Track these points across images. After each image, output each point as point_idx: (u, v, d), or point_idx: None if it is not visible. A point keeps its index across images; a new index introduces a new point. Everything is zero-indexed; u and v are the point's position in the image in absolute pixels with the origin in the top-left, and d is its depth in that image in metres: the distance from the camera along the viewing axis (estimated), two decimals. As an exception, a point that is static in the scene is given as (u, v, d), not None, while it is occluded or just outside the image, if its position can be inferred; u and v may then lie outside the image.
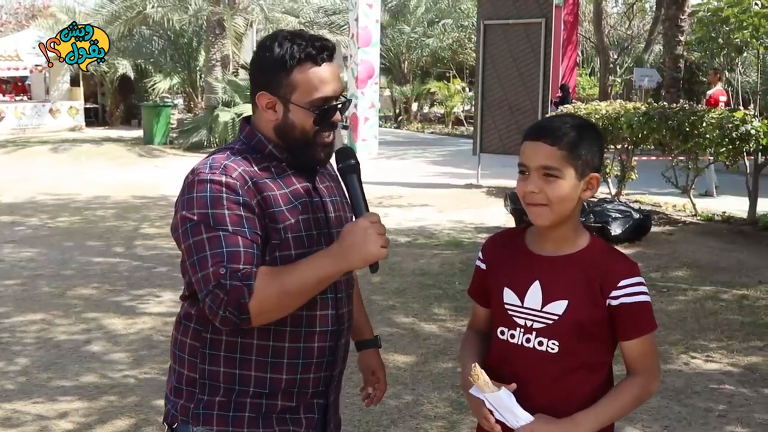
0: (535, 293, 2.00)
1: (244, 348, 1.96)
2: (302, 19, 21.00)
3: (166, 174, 15.03)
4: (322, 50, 1.97)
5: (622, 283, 1.96)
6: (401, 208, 11.24)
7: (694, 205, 10.42)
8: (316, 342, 2.02)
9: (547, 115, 1.86)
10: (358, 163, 2.01)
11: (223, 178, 1.88)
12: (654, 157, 12.56)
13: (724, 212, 10.33)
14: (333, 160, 2.04)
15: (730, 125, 8.91)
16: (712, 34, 12.42)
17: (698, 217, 10.22)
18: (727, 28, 11.94)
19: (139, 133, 21.65)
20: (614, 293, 1.96)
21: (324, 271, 1.88)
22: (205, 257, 1.83)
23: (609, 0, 30.04)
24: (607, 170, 11.30)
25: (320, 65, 1.97)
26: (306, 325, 1.99)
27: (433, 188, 13.16)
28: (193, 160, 16.33)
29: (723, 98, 13.56)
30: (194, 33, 23.91)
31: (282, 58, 1.95)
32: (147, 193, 12.60)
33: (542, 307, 1.99)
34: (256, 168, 1.96)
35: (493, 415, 1.97)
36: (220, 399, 1.98)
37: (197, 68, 24.36)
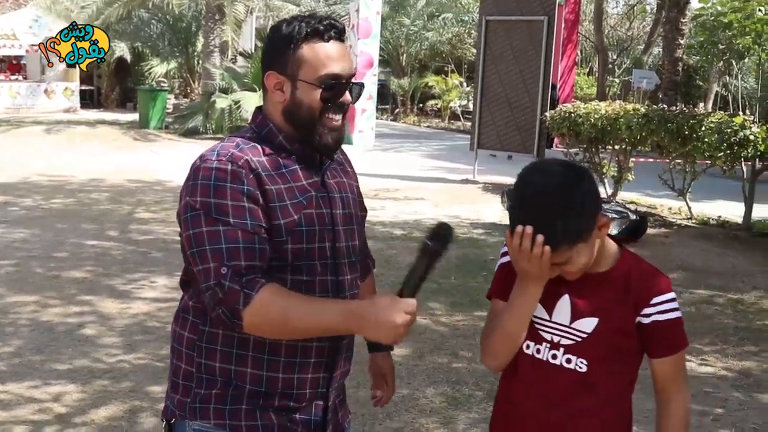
0: (563, 307, 1.93)
1: (241, 343, 1.90)
2: (303, 8, 20.92)
3: (161, 159, 14.98)
4: (329, 27, 1.94)
5: (655, 300, 1.90)
6: (397, 201, 11.22)
7: (690, 208, 10.43)
8: (315, 342, 1.93)
9: (525, 194, 1.67)
10: (441, 249, 1.83)
11: (229, 166, 1.84)
12: (651, 159, 12.58)
13: (720, 216, 10.35)
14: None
15: (729, 130, 8.92)
16: (714, 39, 12.41)
17: (693, 221, 10.24)
18: (729, 33, 11.93)
19: (134, 116, 21.54)
20: (646, 310, 1.90)
21: (331, 325, 1.82)
22: (205, 252, 1.80)
23: (610, 0, 30.04)
24: (604, 171, 11.31)
25: (327, 41, 1.93)
26: None
27: (430, 182, 13.14)
28: (189, 145, 16.42)
29: None
30: (193, 18, 23.78)
31: (289, 35, 1.92)
32: (142, 178, 12.53)
33: (570, 322, 1.92)
34: (264, 159, 1.90)
35: None
36: (217, 392, 1.92)
37: (195, 54, 24.21)
